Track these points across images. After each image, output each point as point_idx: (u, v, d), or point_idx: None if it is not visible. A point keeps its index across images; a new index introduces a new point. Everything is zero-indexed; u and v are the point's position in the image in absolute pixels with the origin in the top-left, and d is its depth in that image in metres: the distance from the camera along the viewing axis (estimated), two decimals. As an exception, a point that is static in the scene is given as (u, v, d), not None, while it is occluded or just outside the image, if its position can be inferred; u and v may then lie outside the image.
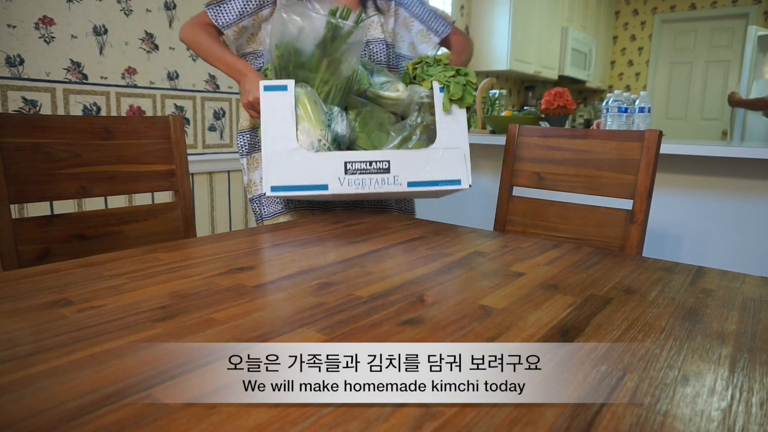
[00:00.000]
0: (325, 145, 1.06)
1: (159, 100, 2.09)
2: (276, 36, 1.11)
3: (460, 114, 1.14)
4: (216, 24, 1.24)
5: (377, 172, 1.08)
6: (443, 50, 1.47)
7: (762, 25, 5.11)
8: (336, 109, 1.11)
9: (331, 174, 1.06)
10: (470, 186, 1.11)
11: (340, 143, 1.12)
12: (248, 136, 1.33)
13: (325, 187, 1.06)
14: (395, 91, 1.23)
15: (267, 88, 1.07)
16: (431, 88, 1.14)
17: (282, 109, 1.06)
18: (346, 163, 1.06)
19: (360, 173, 1.07)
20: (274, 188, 1.05)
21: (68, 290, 0.65)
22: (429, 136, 1.19)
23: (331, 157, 1.06)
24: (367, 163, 1.07)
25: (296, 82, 1.09)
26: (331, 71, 1.11)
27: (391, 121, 1.22)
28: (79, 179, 1.08)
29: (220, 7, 1.24)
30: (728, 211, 2.18)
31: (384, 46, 1.37)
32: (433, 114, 1.15)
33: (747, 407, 0.42)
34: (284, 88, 1.06)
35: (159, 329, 0.54)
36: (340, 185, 1.07)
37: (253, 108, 1.16)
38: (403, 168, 1.09)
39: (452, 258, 0.86)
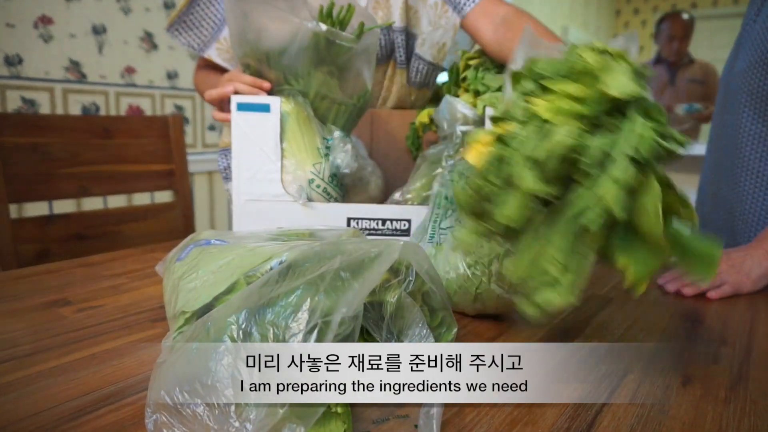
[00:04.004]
0: (319, 186, 0.80)
1: (158, 99, 2.09)
2: (236, 33, 0.79)
3: None
4: (193, 49, 0.99)
5: (392, 234, 0.81)
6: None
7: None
8: (338, 133, 0.82)
9: None
10: None
11: (342, 180, 0.85)
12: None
13: None
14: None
15: (241, 107, 0.78)
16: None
17: (262, 138, 0.78)
18: (349, 220, 0.80)
19: (368, 234, 0.80)
20: None
21: (67, 290, 0.65)
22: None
23: (329, 211, 0.80)
24: (379, 222, 0.80)
25: (282, 94, 0.80)
26: (330, 86, 0.81)
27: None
28: (78, 179, 1.08)
29: (182, 24, 0.98)
30: (728, 210, 2.18)
31: (401, 37, 0.99)
32: None
33: (747, 408, 0.42)
34: (266, 107, 0.78)
35: (159, 329, 0.54)
36: None
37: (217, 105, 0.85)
38: None
39: (452, 257, 0.86)
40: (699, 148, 2.07)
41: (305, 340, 0.34)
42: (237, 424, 0.33)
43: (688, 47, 3.10)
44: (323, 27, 0.77)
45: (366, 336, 0.39)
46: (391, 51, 1.04)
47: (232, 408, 0.33)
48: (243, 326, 0.36)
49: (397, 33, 1.02)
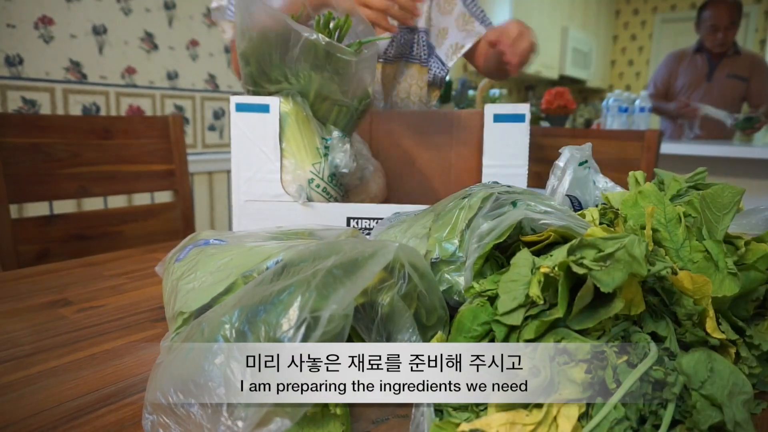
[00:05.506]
0: (319, 186, 0.80)
1: (158, 99, 2.09)
2: (240, 28, 0.80)
3: None
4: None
5: None
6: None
7: (762, 26, 5.11)
8: (336, 133, 0.82)
9: None
10: None
11: (341, 179, 0.84)
12: None
13: None
14: None
15: (240, 108, 0.79)
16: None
17: (262, 138, 0.79)
18: (349, 220, 0.79)
19: (368, 233, 0.78)
20: None
21: (68, 290, 0.65)
22: None
23: (329, 210, 0.79)
24: (379, 222, 0.77)
25: (281, 94, 0.81)
26: (331, 88, 0.81)
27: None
28: (79, 179, 1.08)
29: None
30: (728, 210, 2.18)
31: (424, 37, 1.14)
32: None
33: (748, 407, 0.42)
34: (265, 108, 0.79)
35: (159, 329, 0.54)
36: None
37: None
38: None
39: (452, 258, 0.86)
40: (753, 151, 2.06)
41: (294, 335, 0.34)
42: (229, 422, 0.33)
43: (735, 36, 2.70)
44: (323, 40, 0.76)
45: (355, 339, 0.39)
46: (410, 49, 1.17)
47: (224, 406, 0.33)
48: (236, 325, 0.35)
49: (422, 33, 1.16)
